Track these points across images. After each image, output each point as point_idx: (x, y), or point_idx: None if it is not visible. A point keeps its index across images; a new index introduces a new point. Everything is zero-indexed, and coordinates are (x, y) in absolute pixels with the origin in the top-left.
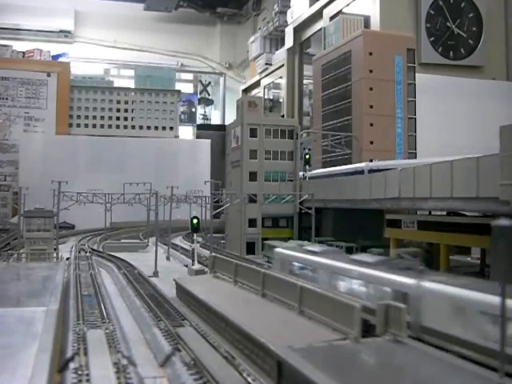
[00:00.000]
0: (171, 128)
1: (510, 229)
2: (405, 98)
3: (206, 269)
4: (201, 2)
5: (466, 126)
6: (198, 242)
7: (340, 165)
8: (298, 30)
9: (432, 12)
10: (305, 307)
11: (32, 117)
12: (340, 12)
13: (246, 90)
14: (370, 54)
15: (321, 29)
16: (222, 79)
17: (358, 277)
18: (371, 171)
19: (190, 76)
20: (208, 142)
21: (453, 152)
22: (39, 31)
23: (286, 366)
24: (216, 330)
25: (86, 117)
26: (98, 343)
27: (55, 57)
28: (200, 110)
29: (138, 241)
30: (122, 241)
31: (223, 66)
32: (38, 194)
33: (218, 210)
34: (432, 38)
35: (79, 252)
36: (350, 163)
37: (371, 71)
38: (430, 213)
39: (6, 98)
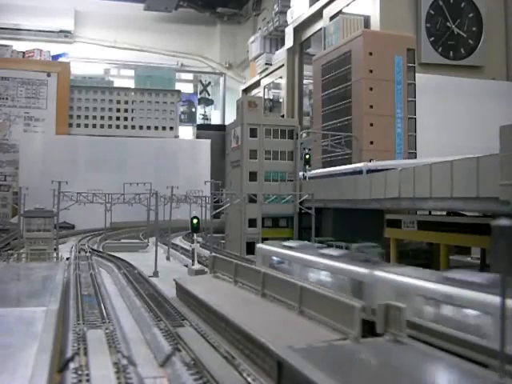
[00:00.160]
0: (171, 128)
1: (510, 229)
2: (405, 98)
3: (206, 269)
4: (201, 2)
5: (466, 126)
6: (198, 242)
7: (340, 165)
8: (298, 29)
9: (432, 12)
10: (305, 307)
11: (32, 117)
12: (340, 12)
13: (246, 90)
14: (370, 54)
15: (321, 29)
16: (222, 79)
17: (324, 268)
18: (370, 171)
19: (190, 76)
20: (208, 141)
21: (453, 152)
22: (39, 31)
23: (286, 366)
24: (216, 329)
25: (86, 117)
26: (97, 343)
27: (55, 57)
28: (200, 110)
29: (137, 241)
30: (122, 241)
31: (223, 66)
32: (38, 193)
33: (218, 210)
34: (432, 38)
35: (79, 252)
36: (350, 163)
37: (371, 71)
38: (430, 213)
39: (6, 98)
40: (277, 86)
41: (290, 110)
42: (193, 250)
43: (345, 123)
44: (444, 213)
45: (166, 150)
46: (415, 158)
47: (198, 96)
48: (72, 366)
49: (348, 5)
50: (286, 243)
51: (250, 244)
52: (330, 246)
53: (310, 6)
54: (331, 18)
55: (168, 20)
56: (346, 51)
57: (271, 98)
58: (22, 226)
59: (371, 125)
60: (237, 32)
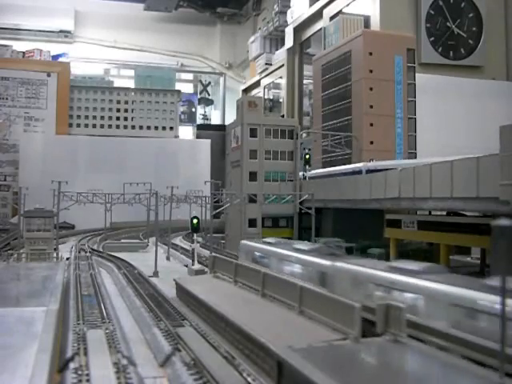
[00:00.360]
0: (171, 128)
1: (510, 229)
2: (405, 98)
3: (206, 269)
4: (201, 2)
5: (466, 126)
6: (198, 242)
7: (340, 165)
8: (298, 29)
9: (432, 12)
10: (305, 307)
11: (32, 117)
12: (340, 12)
13: (246, 90)
14: (370, 54)
15: (321, 29)
16: (222, 79)
17: (296, 261)
18: (369, 171)
19: (190, 76)
20: (208, 141)
21: (453, 152)
22: (39, 31)
23: (286, 366)
24: (216, 329)
25: (86, 117)
26: (97, 343)
27: (55, 57)
28: (200, 110)
29: (138, 241)
30: (122, 241)
31: (223, 66)
32: (38, 193)
33: (218, 210)
34: (432, 38)
35: (79, 252)
36: (350, 163)
37: (371, 71)
38: (430, 213)
39: (6, 98)
40: (277, 86)
41: (290, 109)
42: (193, 250)
43: (345, 123)
44: (444, 213)
45: (166, 150)
46: (415, 157)
47: (198, 96)
48: (72, 365)
49: (348, 5)
50: (266, 239)
51: None
52: (329, 246)
53: (310, 5)
54: (331, 18)
55: (168, 20)
56: (346, 51)
57: (271, 98)
58: (22, 225)
59: (371, 125)
60: (237, 32)
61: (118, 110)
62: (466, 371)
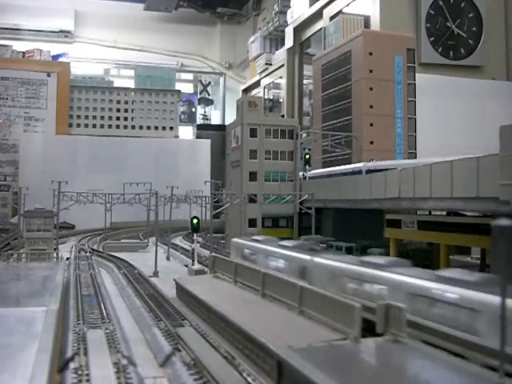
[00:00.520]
0: (171, 128)
1: (510, 229)
2: (405, 98)
3: (206, 269)
4: (201, 2)
5: (466, 126)
6: (198, 242)
7: (340, 165)
8: (298, 29)
9: (432, 12)
10: (305, 307)
11: (32, 117)
12: (340, 12)
13: (246, 90)
14: (370, 54)
15: (321, 29)
16: (222, 79)
17: (280, 257)
18: (369, 171)
19: (190, 76)
20: (208, 141)
21: (453, 152)
22: (39, 31)
23: (286, 366)
24: (216, 329)
25: (86, 117)
26: (97, 343)
27: (55, 57)
28: (200, 110)
29: (138, 241)
30: (122, 241)
31: (223, 66)
32: (38, 193)
33: (218, 210)
34: (432, 38)
35: (79, 252)
36: (350, 163)
37: (371, 71)
38: (430, 213)
39: (6, 98)
40: (277, 86)
41: (290, 110)
42: (193, 249)
43: (345, 123)
44: (444, 213)
45: (166, 149)
46: (415, 157)
47: (198, 96)
48: (72, 365)
49: (348, 5)
50: (254, 237)
51: None
52: (329, 246)
53: (310, 6)
54: (331, 18)
55: (168, 20)
56: (346, 51)
57: (271, 98)
58: (22, 225)
59: (371, 125)
60: (237, 32)
61: (118, 110)
62: (465, 371)
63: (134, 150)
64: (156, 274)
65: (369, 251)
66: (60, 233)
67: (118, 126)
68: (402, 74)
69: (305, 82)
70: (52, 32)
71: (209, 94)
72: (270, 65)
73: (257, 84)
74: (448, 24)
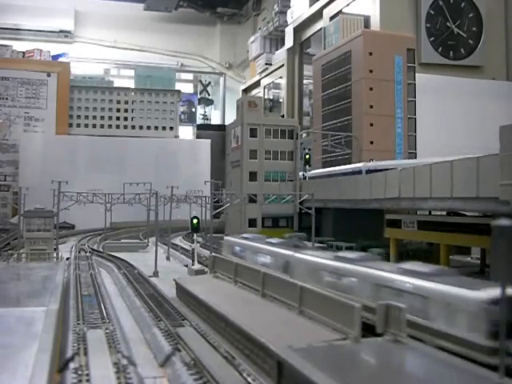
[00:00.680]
0: (171, 128)
1: (510, 229)
2: (405, 98)
3: (206, 269)
4: (201, 2)
5: (466, 126)
6: (198, 242)
7: (340, 165)
8: (298, 30)
9: (432, 12)
10: (305, 307)
11: (32, 117)
12: (340, 12)
13: (246, 90)
14: (370, 54)
15: (321, 29)
16: (222, 79)
17: (266, 253)
18: (369, 171)
19: (190, 76)
20: (208, 141)
21: (453, 152)
22: (39, 31)
23: (286, 365)
24: (216, 329)
25: (86, 117)
26: (97, 343)
27: (55, 57)
28: (200, 110)
29: (138, 241)
30: (122, 241)
31: (223, 66)
32: (38, 193)
33: (218, 210)
34: (432, 38)
35: (79, 252)
36: (350, 163)
37: (371, 71)
38: (430, 213)
39: (6, 98)
40: (277, 86)
41: (290, 110)
42: (193, 250)
43: (345, 123)
44: (444, 213)
45: (166, 149)
46: (415, 157)
47: (198, 96)
48: (72, 366)
49: (348, 5)
50: (244, 235)
51: None
52: (330, 246)
53: (310, 5)
54: (331, 18)
55: (168, 20)
56: (346, 51)
57: (271, 98)
58: (22, 225)
59: (371, 125)
60: (237, 32)
61: (118, 110)
62: (465, 371)
63: (134, 150)
64: (156, 273)
65: (369, 251)
66: (60, 233)
67: (117, 126)
68: (402, 74)
69: (305, 82)
70: (52, 32)
71: (209, 94)
72: (270, 65)
73: (257, 84)
74: (448, 24)
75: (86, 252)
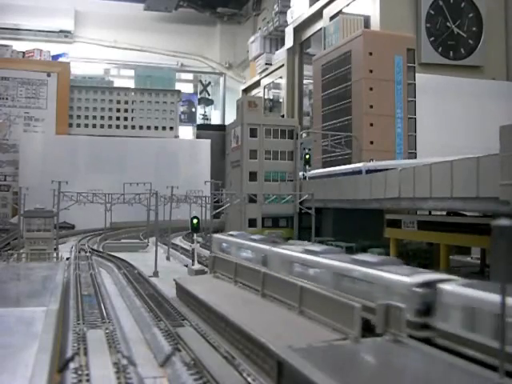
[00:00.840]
0: (171, 128)
1: (510, 229)
2: (405, 98)
3: (206, 269)
4: (201, 2)
5: (466, 126)
6: (197, 242)
7: (340, 165)
8: (298, 30)
9: (432, 12)
10: (305, 307)
11: (32, 117)
12: (340, 12)
13: (246, 90)
14: (370, 54)
15: (321, 29)
16: (221, 79)
17: (248, 248)
18: (369, 171)
19: (190, 76)
20: (208, 141)
21: (453, 152)
22: (39, 31)
23: (286, 365)
24: (216, 329)
25: (86, 117)
26: (97, 343)
27: (55, 57)
28: (200, 110)
29: (138, 241)
30: (122, 241)
31: (223, 66)
32: (38, 193)
33: (218, 210)
34: (432, 38)
35: (79, 252)
36: (350, 163)
37: (371, 71)
38: (430, 213)
39: (6, 98)
40: (277, 86)
41: (290, 110)
42: (193, 250)
43: (345, 123)
44: (444, 213)
45: (166, 149)
46: (415, 157)
47: (198, 96)
48: (72, 366)
49: (348, 5)
50: (231, 232)
51: None
52: (329, 246)
53: (310, 5)
54: (331, 18)
55: (168, 20)
56: (346, 51)
57: (271, 98)
58: (22, 225)
59: (371, 125)
60: (237, 32)
61: (118, 110)
62: (465, 371)
63: (134, 150)
64: (156, 273)
65: (368, 251)
66: (60, 233)
67: (118, 126)
68: (402, 74)
69: (305, 82)
70: (52, 32)
71: (209, 94)
72: (270, 65)
73: (257, 84)
74: (448, 24)
75: (85, 252)
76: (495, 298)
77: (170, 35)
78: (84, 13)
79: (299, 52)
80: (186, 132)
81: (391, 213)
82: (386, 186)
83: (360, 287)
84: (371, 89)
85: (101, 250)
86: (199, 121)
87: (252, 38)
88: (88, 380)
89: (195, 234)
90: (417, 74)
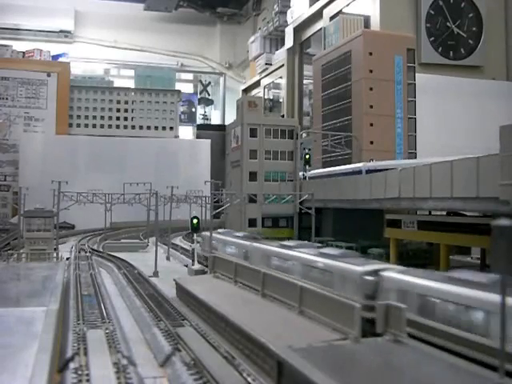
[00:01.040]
0: (171, 128)
1: (510, 229)
2: (405, 98)
3: (206, 269)
4: (201, 2)
5: (466, 126)
6: (197, 242)
7: (340, 165)
8: (298, 30)
9: (432, 12)
10: (305, 307)
11: (32, 117)
12: (340, 12)
13: (246, 90)
14: (370, 54)
15: (321, 29)
16: (222, 79)
17: (232, 244)
18: (369, 171)
19: (190, 76)
20: (208, 141)
21: (453, 152)
22: (39, 31)
23: (286, 366)
24: (216, 329)
25: (86, 117)
26: (98, 343)
27: (55, 57)
28: (200, 110)
29: (138, 241)
30: (122, 241)
31: (223, 66)
32: (38, 193)
33: (218, 210)
34: (432, 38)
35: (79, 252)
36: (350, 163)
37: (371, 71)
38: (430, 213)
39: (6, 98)
40: (277, 86)
41: (290, 110)
42: (193, 249)
43: (345, 123)
44: (444, 213)
45: (166, 149)
46: (415, 157)
47: (198, 96)
48: (72, 365)
49: (348, 5)
50: (219, 230)
51: None
52: (330, 246)
53: (310, 5)
54: (331, 18)
55: (168, 20)
56: (346, 51)
57: (271, 98)
58: (22, 225)
59: (371, 125)
60: (237, 32)
61: (118, 110)
62: (465, 371)
63: (134, 150)
64: (156, 273)
65: (369, 251)
66: (60, 233)
67: (118, 126)
68: (402, 74)
69: (305, 82)
70: (52, 32)
71: (209, 94)
72: (270, 65)
73: (257, 84)
74: (448, 24)
75: (85, 252)
76: (421, 281)
77: (170, 35)
78: (84, 13)
79: (299, 52)
80: (186, 132)
81: (391, 213)
82: (386, 186)
83: (323, 276)
84: (371, 89)
85: (101, 249)
86: (199, 121)
87: (252, 38)
88: (88, 380)
89: (195, 234)
90: (417, 74)
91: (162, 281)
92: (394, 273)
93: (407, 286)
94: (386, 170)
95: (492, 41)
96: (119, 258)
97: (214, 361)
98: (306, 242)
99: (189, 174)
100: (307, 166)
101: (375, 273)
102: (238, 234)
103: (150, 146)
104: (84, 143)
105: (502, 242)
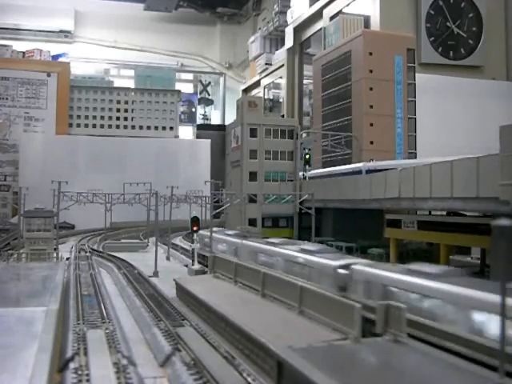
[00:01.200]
0: (171, 128)
1: (510, 229)
2: (405, 98)
3: (206, 269)
4: (201, 2)
5: (466, 126)
6: (197, 242)
7: (340, 165)
8: (298, 30)
9: (432, 12)
10: (305, 307)
11: (32, 117)
12: (340, 12)
13: (246, 90)
14: (370, 54)
15: (321, 29)
16: (221, 79)
17: (223, 241)
18: (369, 171)
19: (190, 76)
20: (208, 141)
21: (453, 152)
22: (39, 31)
23: (286, 366)
24: (216, 329)
25: (86, 117)
26: (97, 343)
27: (55, 57)
28: (200, 110)
29: (137, 241)
30: (122, 241)
31: (223, 66)
32: (38, 193)
33: (218, 210)
34: (432, 38)
35: (79, 252)
36: (350, 163)
37: (371, 71)
38: (430, 213)
39: (6, 98)
40: (277, 86)
41: (290, 110)
42: (193, 249)
43: (345, 123)
44: (444, 213)
45: (166, 149)
46: (415, 158)
47: (198, 96)
48: (72, 365)
49: (348, 5)
50: (215, 229)
51: None
52: (330, 246)
53: (310, 5)
54: (331, 18)
55: (168, 20)
56: (346, 51)
57: (271, 98)
58: (22, 225)
59: (371, 125)
60: (237, 32)
61: (118, 110)
62: (465, 371)
63: (134, 150)
64: (156, 273)
65: (369, 251)
66: (60, 233)
67: (118, 126)
68: (402, 74)
69: (305, 82)
70: (52, 32)
71: (209, 94)
72: (270, 65)
73: (257, 84)
74: (448, 24)
75: (85, 252)
76: (384, 273)
77: (170, 35)
78: (84, 13)
79: (299, 52)
80: (186, 132)
81: (391, 213)
82: (386, 186)
83: (303, 271)
84: (371, 89)
85: (101, 249)
86: (199, 121)
87: (252, 38)
88: (88, 380)
89: (195, 234)
90: (417, 74)
91: (162, 281)
92: (362, 266)
93: (373, 278)
94: (386, 170)
95: (492, 41)
96: (119, 258)
97: (214, 361)
98: (286, 239)
99: (189, 174)
100: (307, 166)
101: (347, 267)
102: (228, 232)
103: (149, 146)
104: (84, 143)
105: (502, 242)
